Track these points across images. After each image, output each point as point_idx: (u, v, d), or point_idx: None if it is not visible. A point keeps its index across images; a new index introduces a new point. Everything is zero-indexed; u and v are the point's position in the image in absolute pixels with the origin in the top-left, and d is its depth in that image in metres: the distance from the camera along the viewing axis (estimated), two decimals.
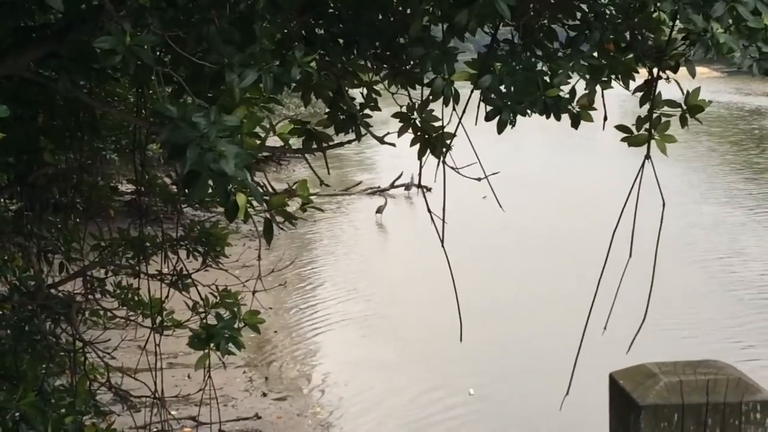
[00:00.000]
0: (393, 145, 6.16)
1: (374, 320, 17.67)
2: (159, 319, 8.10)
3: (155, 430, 9.15)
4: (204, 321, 7.06)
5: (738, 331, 16.58)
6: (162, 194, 8.22)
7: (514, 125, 5.51)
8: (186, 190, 4.45)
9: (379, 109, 6.37)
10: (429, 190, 6.69)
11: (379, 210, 25.72)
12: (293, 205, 5.50)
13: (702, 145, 38.47)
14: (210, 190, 4.36)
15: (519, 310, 17.58)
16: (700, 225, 24.11)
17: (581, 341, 5.98)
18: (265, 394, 14.02)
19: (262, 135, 5.59)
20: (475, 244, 19.55)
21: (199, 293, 7.68)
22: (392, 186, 30.67)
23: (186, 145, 4.11)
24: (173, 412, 12.20)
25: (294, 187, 5.57)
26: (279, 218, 5.48)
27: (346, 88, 6.24)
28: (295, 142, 6.44)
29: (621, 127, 5.51)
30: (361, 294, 19.37)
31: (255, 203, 4.77)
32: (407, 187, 29.68)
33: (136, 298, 8.29)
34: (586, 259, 19.46)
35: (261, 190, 4.92)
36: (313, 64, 5.08)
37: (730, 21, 5.03)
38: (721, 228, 24.60)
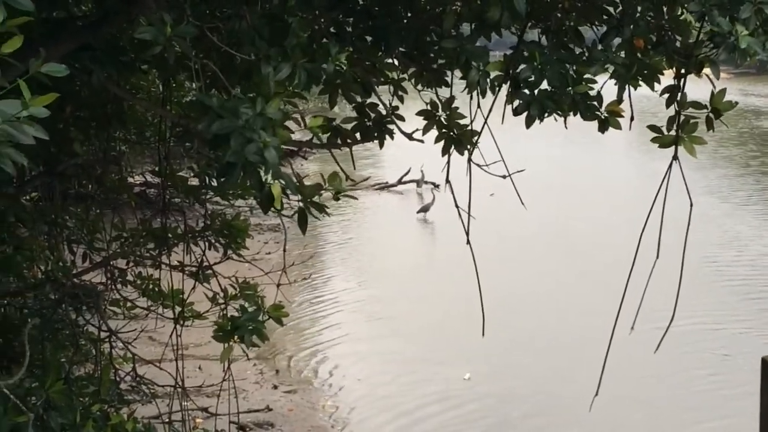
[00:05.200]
0: (422, 141, 6.21)
1: (385, 315, 17.73)
2: (179, 310, 8.15)
3: (170, 420, 9.21)
4: (224, 312, 7.12)
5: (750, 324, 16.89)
6: (184, 186, 8.27)
7: (542, 120, 5.57)
8: (219, 180, 4.52)
9: (402, 119, 6.43)
10: (437, 186, 6.76)
11: (425, 209, 25.43)
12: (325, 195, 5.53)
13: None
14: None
15: (535, 306, 17.69)
16: (701, 218, 24.14)
17: (609, 344, 6.08)
18: (275, 387, 14.09)
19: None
20: (485, 241, 19.47)
21: (219, 285, 7.74)
22: (400, 182, 30.72)
23: (229, 134, 4.18)
24: (184, 403, 12.26)
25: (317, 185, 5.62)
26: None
27: (375, 86, 6.28)
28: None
29: (652, 128, 5.55)
30: (372, 289, 19.44)
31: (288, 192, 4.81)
32: (418, 183, 29.65)
33: (157, 289, 8.35)
34: (599, 257, 19.70)
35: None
36: (344, 60, 5.14)
37: (757, 23, 5.09)
38: (717, 220, 24.66)
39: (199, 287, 8.22)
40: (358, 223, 25.81)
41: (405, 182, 30.66)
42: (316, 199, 5.20)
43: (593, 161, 34.00)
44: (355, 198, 5.99)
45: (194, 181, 8.42)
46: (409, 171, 30.04)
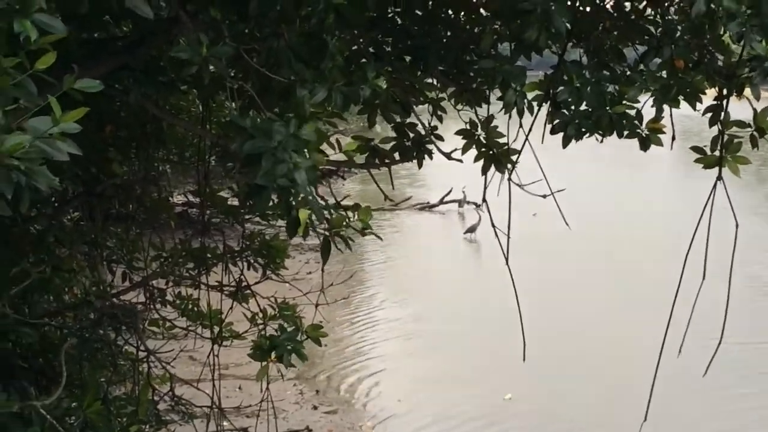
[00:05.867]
0: (460, 161, 6.18)
1: (426, 336, 17.64)
2: (218, 330, 8.15)
3: None
4: (263, 333, 7.09)
5: None
6: (223, 206, 8.28)
7: (578, 140, 5.54)
8: (249, 203, 4.51)
9: (441, 139, 6.41)
10: (478, 206, 6.73)
11: (472, 229, 25.27)
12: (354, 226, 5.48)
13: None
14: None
15: (579, 327, 17.53)
16: (745, 237, 23.83)
17: (656, 369, 6.02)
18: (315, 407, 14.04)
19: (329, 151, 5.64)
20: (528, 262, 19.40)
21: (258, 305, 7.72)
22: (441, 202, 30.64)
23: (260, 154, 4.17)
24: (224, 423, 12.24)
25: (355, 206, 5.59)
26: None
27: (414, 106, 6.26)
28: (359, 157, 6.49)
29: (696, 149, 5.49)
30: (413, 309, 19.35)
31: (315, 220, 4.77)
32: (460, 203, 29.54)
33: (196, 309, 8.35)
34: (643, 278, 19.52)
35: (323, 203, 4.95)
36: (382, 83, 5.12)
37: None
38: (761, 239, 24.32)
39: (239, 307, 8.22)
40: (399, 243, 25.74)
41: (446, 202, 30.59)
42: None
43: (636, 180, 33.77)
44: (380, 238, 5.99)
45: (234, 201, 8.43)
46: (450, 191, 29.95)
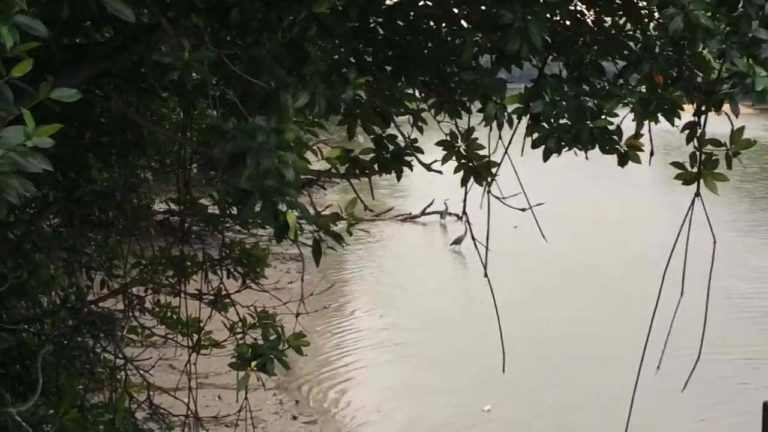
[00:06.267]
0: (440, 172, 6.18)
1: (406, 346, 17.63)
2: (196, 338, 8.13)
3: None
4: (242, 342, 7.07)
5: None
6: (204, 214, 8.26)
7: (560, 154, 5.54)
8: (235, 209, 4.50)
9: (421, 152, 6.42)
10: (459, 218, 6.74)
11: (458, 241, 25.24)
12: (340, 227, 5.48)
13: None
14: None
15: (559, 340, 17.54)
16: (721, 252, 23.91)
17: (636, 384, 6.04)
18: (295, 417, 14.00)
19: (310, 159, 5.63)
20: (509, 274, 19.45)
21: (237, 314, 7.70)
22: (423, 213, 30.64)
23: (244, 153, 4.16)
24: None
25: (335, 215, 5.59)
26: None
27: (395, 116, 6.26)
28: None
29: (676, 164, 5.52)
30: (393, 319, 19.35)
31: (303, 223, 4.77)
32: (442, 215, 29.53)
33: (175, 317, 8.32)
34: (624, 291, 19.55)
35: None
36: (363, 87, 5.13)
37: None
38: (738, 254, 24.43)
39: (218, 316, 8.20)
40: (381, 254, 25.74)
41: (428, 213, 30.60)
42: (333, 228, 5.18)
43: (616, 194, 33.84)
44: (368, 231, 5.99)
45: (214, 209, 8.41)
46: (432, 202, 29.98)
